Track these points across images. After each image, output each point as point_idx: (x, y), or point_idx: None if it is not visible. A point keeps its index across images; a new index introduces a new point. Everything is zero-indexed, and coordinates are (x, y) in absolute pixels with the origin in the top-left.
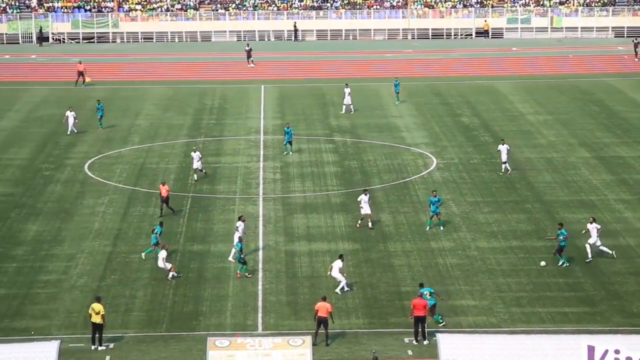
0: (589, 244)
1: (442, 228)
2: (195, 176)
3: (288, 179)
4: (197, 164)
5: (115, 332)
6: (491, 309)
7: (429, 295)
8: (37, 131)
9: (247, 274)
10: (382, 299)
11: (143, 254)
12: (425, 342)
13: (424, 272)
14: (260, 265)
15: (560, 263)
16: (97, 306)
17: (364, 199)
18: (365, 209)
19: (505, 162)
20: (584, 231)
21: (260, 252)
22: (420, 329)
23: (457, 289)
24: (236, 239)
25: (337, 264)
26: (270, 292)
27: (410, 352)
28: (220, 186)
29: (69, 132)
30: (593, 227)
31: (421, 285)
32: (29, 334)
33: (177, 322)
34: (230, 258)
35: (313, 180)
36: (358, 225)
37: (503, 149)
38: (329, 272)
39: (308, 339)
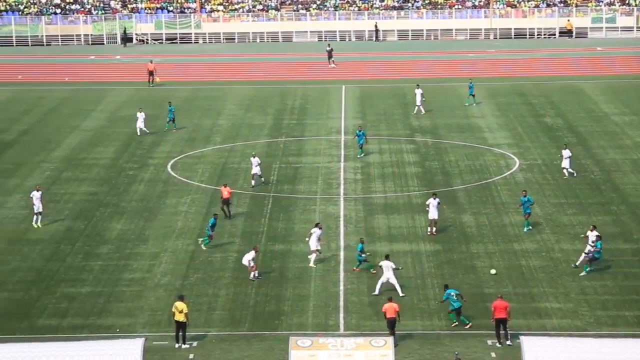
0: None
1: (527, 229)
2: (253, 182)
3: (369, 179)
4: (255, 169)
5: (199, 331)
6: (576, 312)
7: (455, 296)
8: (121, 131)
9: (372, 270)
10: (464, 301)
11: (202, 245)
12: (508, 343)
13: (506, 273)
14: (342, 266)
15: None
16: (180, 304)
17: (432, 202)
18: (433, 214)
19: (565, 168)
20: (582, 235)
21: (342, 253)
22: (502, 331)
23: (540, 291)
24: (312, 246)
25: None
26: (351, 292)
27: (493, 355)
28: (301, 186)
29: (139, 133)
30: (593, 235)
31: (446, 287)
32: (114, 332)
33: (260, 322)
34: (311, 264)
35: (394, 181)
36: (429, 233)
37: (565, 153)
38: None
39: (390, 340)
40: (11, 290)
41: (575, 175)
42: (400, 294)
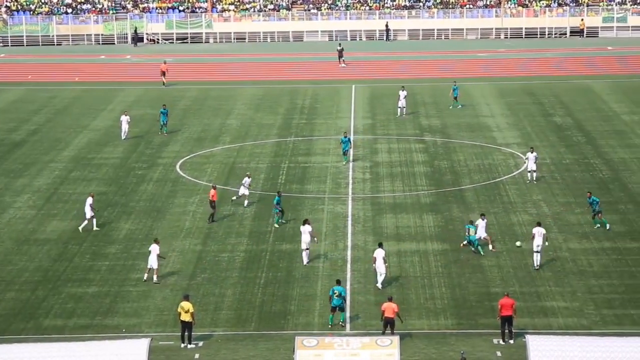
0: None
1: (608, 227)
2: (235, 197)
3: (377, 178)
4: (243, 190)
5: (205, 331)
6: (582, 311)
7: (338, 296)
8: (130, 131)
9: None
10: (471, 300)
11: (276, 224)
12: (511, 342)
13: (513, 273)
14: (349, 265)
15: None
16: (186, 304)
17: (481, 224)
18: (481, 233)
19: (531, 171)
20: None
21: (349, 252)
22: (507, 329)
23: (547, 290)
24: (303, 245)
25: (380, 253)
26: (358, 291)
27: (499, 354)
28: (309, 185)
29: (123, 137)
30: (539, 232)
31: (338, 282)
32: (120, 332)
33: (266, 321)
34: (305, 263)
35: (403, 180)
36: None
37: (531, 157)
38: (373, 264)
39: (396, 339)
40: (18, 290)
41: (535, 181)
42: (379, 286)
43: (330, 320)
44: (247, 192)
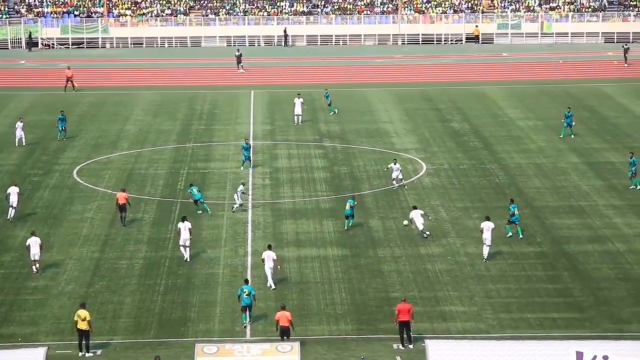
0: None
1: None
2: (234, 208)
3: (277, 184)
4: (237, 198)
5: (103, 339)
6: (480, 315)
7: (248, 294)
8: (26, 137)
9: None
10: (371, 305)
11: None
12: (410, 346)
13: (412, 278)
14: (249, 272)
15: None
16: (82, 312)
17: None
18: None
19: (395, 179)
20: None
21: (249, 258)
22: (405, 334)
23: (445, 294)
24: (181, 241)
25: (269, 255)
26: (258, 298)
27: (398, 358)
28: (209, 192)
29: (16, 144)
30: (487, 226)
31: (246, 282)
32: (17, 341)
33: (165, 329)
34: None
35: (302, 186)
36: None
37: (394, 167)
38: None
39: (297, 345)
40: None
41: (400, 186)
42: (271, 287)
43: (243, 319)
44: (240, 201)
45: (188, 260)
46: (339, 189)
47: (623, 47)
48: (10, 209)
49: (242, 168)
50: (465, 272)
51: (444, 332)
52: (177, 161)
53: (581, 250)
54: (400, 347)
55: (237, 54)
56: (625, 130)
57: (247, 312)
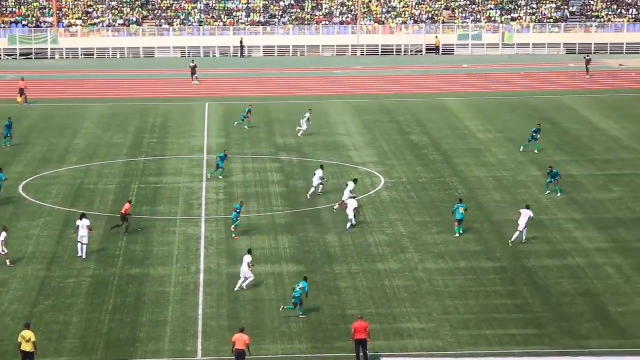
0: None
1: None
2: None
3: (232, 199)
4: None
5: None
6: (438, 332)
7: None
8: None
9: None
10: (326, 323)
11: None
12: None
13: (370, 294)
14: (201, 289)
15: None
16: (27, 333)
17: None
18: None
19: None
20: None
21: (202, 275)
22: (362, 352)
23: (403, 311)
24: (79, 237)
25: (247, 258)
26: (211, 316)
27: None
28: (161, 207)
29: None
30: (525, 213)
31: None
32: None
33: (114, 349)
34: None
35: (258, 201)
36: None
37: (350, 185)
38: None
39: None
40: None
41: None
42: (236, 288)
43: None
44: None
45: (84, 257)
46: (296, 204)
47: (585, 58)
48: None
49: (209, 175)
50: (423, 288)
51: (401, 350)
52: (128, 176)
53: (541, 265)
54: None
55: (191, 65)
56: (587, 143)
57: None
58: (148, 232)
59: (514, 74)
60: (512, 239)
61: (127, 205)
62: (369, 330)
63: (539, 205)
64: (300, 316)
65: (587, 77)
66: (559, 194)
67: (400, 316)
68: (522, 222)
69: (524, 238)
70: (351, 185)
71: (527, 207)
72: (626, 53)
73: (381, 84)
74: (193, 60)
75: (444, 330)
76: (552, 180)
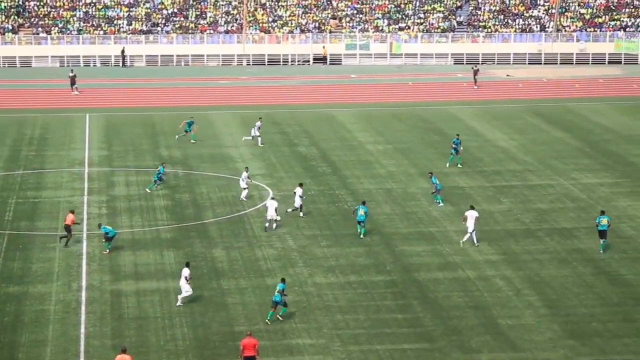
0: None
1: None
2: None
3: (115, 213)
4: (242, 184)
5: None
6: (328, 348)
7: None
8: None
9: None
10: (214, 340)
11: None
12: None
13: (258, 310)
14: (83, 307)
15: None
16: None
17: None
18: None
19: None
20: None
21: (84, 293)
22: None
23: (292, 327)
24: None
25: (184, 272)
26: (93, 335)
27: None
28: (40, 222)
29: None
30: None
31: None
32: None
33: None
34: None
35: (142, 215)
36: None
37: (298, 191)
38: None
39: None
40: None
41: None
42: (178, 304)
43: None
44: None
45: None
46: (181, 218)
47: (473, 68)
48: None
49: (148, 190)
50: (312, 303)
51: None
52: (5, 190)
53: (431, 277)
54: None
55: (70, 74)
56: (475, 154)
57: (279, 307)
58: (27, 248)
59: (402, 84)
60: (463, 240)
61: (71, 216)
62: (258, 347)
63: (429, 217)
64: (279, 317)
65: (475, 87)
66: (440, 204)
67: (290, 332)
68: (470, 223)
69: (476, 241)
70: (299, 190)
71: (472, 208)
72: (513, 63)
73: (268, 94)
74: (72, 70)
75: (334, 345)
76: (437, 190)
